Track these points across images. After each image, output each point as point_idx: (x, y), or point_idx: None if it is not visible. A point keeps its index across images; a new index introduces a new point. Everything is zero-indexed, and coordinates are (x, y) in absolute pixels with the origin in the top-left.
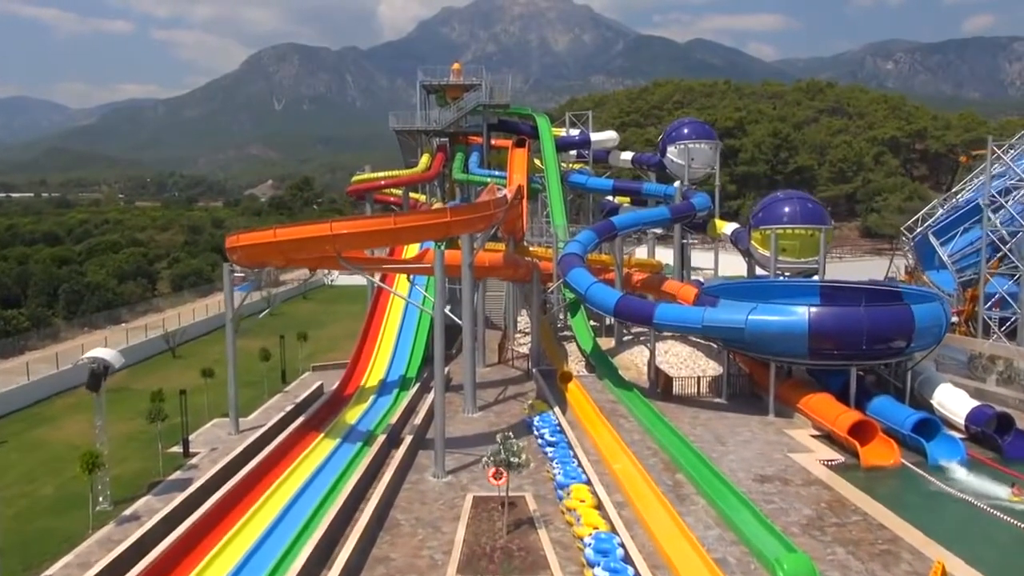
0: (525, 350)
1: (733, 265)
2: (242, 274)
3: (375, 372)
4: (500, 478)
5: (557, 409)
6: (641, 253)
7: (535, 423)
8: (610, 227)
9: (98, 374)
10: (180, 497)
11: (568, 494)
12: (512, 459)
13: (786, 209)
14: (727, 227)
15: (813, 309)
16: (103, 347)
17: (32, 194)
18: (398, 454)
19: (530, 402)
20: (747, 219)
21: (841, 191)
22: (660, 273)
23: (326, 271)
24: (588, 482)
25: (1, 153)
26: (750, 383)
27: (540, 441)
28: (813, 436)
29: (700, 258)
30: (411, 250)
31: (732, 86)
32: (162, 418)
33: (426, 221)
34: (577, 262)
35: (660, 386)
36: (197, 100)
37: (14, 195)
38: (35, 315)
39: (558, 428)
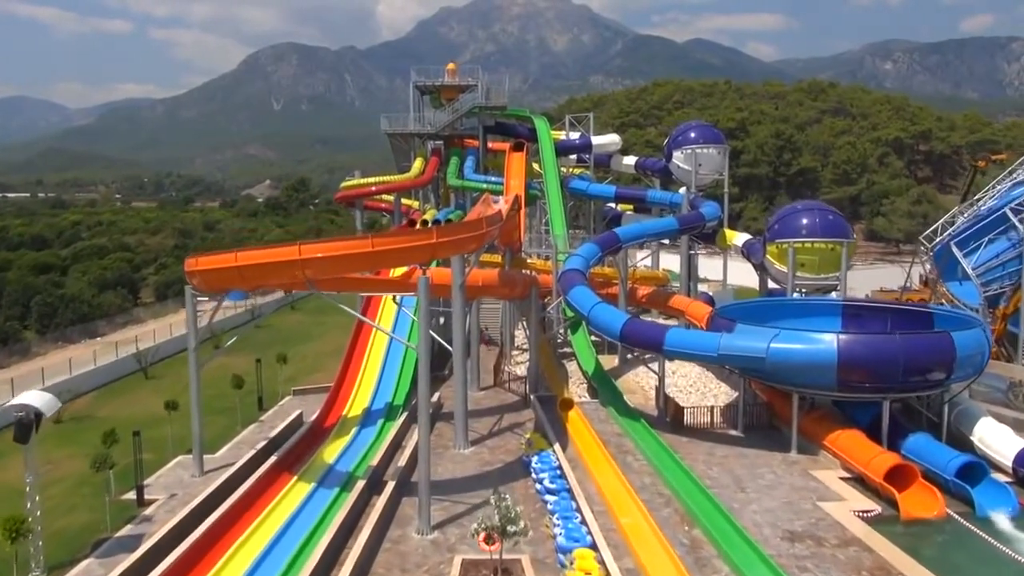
0: (523, 370)
1: (741, 273)
2: None
3: (359, 399)
4: (492, 543)
5: (557, 447)
6: (642, 253)
7: (533, 463)
8: (613, 239)
9: (27, 424)
10: (125, 562)
11: (571, 562)
12: (508, 527)
13: (804, 221)
14: (738, 237)
15: (843, 337)
16: (39, 388)
17: (28, 194)
18: (380, 502)
19: (527, 436)
20: (749, 224)
21: (845, 193)
22: (666, 286)
23: None
24: (593, 545)
25: None
26: (768, 413)
27: (539, 487)
28: (843, 479)
29: (706, 265)
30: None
31: (733, 86)
32: (109, 466)
33: (409, 243)
34: (579, 279)
35: (669, 415)
36: (195, 100)
37: (10, 195)
38: (3, 330)
39: (559, 472)
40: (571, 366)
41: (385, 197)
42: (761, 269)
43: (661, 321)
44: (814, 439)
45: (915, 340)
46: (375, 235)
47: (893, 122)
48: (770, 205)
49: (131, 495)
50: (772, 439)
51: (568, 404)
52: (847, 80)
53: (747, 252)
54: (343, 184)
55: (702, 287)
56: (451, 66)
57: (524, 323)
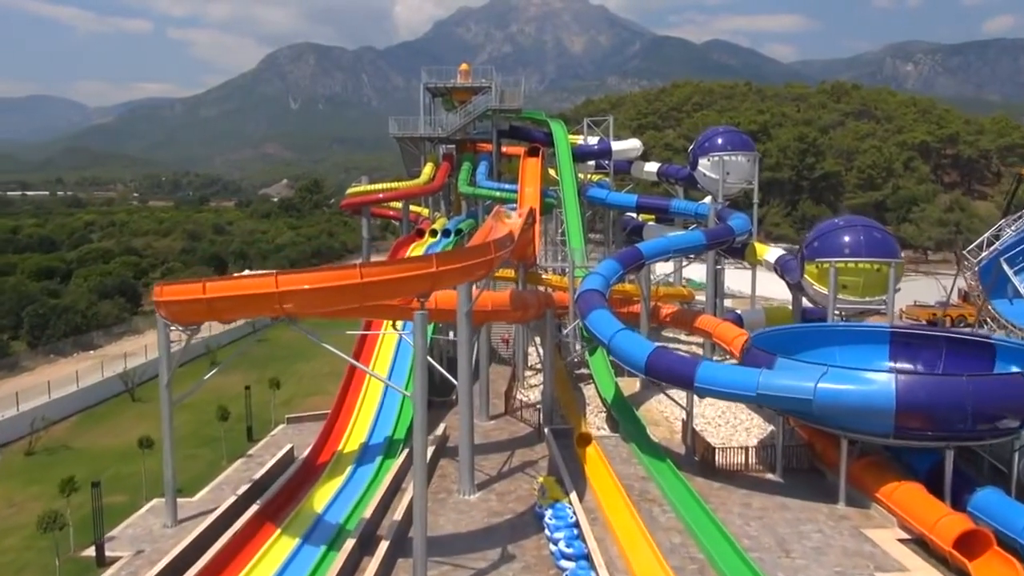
0: (536, 394)
1: (769, 284)
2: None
3: (356, 431)
4: None
5: (574, 496)
6: (662, 264)
7: (547, 518)
8: (636, 255)
9: None
10: None
11: None
12: None
13: (847, 239)
14: (770, 252)
15: (902, 378)
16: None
17: (48, 192)
18: (372, 566)
19: (540, 480)
20: (771, 230)
21: (870, 199)
22: (690, 303)
23: None
24: None
25: (20, 151)
26: (809, 454)
27: (553, 549)
28: (901, 541)
29: (732, 276)
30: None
31: (753, 88)
32: (59, 526)
33: (404, 273)
34: (598, 301)
35: (698, 454)
36: (214, 99)
37: (30, 193)
38: None
39: (576, 533)
40: (588, 390)
41: (393, 204)
42: (797, 289)
43: (686, 352)
44: (865, 490)
45: (986, 383)
46: (364, 265)
47: (919, 125)
48: (793, 210)
49: (92, 551)
50: (815, 486)
51: (586, 439)
52: (867, 82)
53: (781, 270)
54: (349, 191)
55: (728, 302)
56: (464, 67)
57: (538, 341)
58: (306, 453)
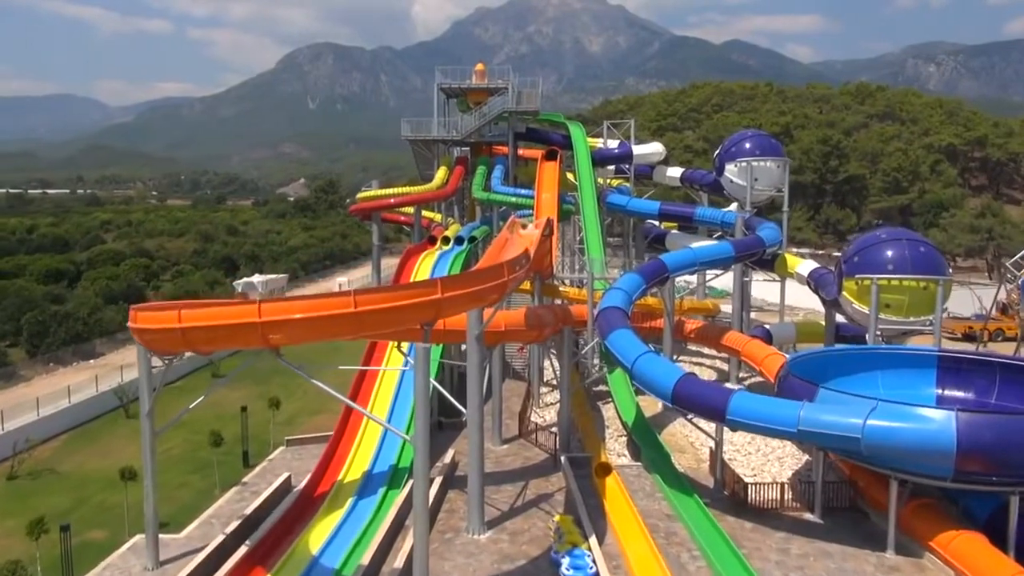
0: (552, 415)
1: (794, 293)
2: (243, 291)
3: (359, 458)
4: None
5: (594, 541)
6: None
7: (564, 567)
8: (660, 269)
9: None
10: None
11: None
12: None
13: (890, 253)
14: (802, 265)
15: (963, 416)
16: None
17: (68, 191)
18: None
19: (557, 519)
20: (794, 235)
21: (895, 203)
22: (716, 318)
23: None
24: None
25: (42, 150)
26: (851, 491)
27: None
28: None
29: (755, 286)
30: (425, 267)
31: (775, 89)
32: None
33: (404, 301)
34: (620, 321)
35: (728, 488)
36: (233, 99)
37: (51, 191)
38: None
39: None
40: (607, 409)
41: (405, 209)
42: (833, 306)
43: (710, 367)
44: (917, 536)
45: None
46: (359, 292)
47: (946, 127)
48: (816, 214)
49: None
50: (859, 529)
51: (606, 470)
52: (889, 83)
53: (816, 285)
54: (359, 195)
55: (752, 314)
56: (479, 66)
57: (553, 353)
58: (303, 483)
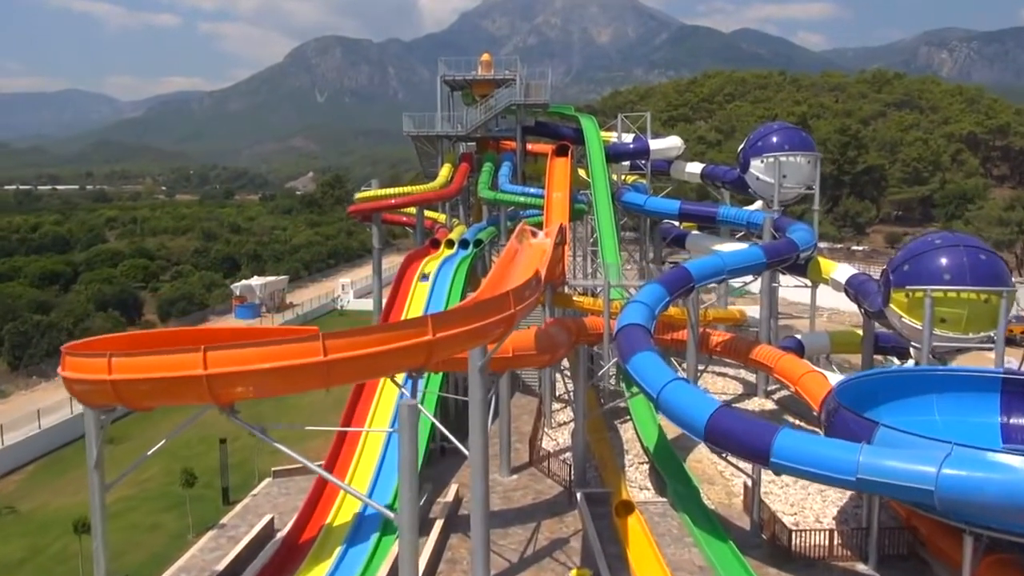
0: (565, 436)
1: (826, 294)
2: (241, 295)
3: (350, 497)
4: None
5: None
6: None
7: None
8: (685, 278)
9: None
10: None
11: None
12: None
13: (945, 261)
14: (838, 271)
15: None
16: None
17: (77, 186)
18: None
19: (573, 574)
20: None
21: (916, 194)
22: (744, 327)
23: (336, 295)
24: None
25: (52, 146)
26: (909, 537)
27: None
28: None
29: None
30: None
31: (788, 77)
32: None
33: (387, 345)
34: (643, 341)
35: (768, 533)
36: (241, 93)
37: (59, 187)
38: None
39: None
40: (626, 430)
41: (407, 209)
42: (877, 317)
43: (735, 379)
44: None
45: None
46: (330, 336)
47: (966, 115)
48: (834, 206)
49: None
50: None
51: (627, 508)
52: (902, 71)
53: (856, 294)
54: (357, 195)
55: (782, 321)
56: (485, 57)
57: (567, 374)
58: (287, 528)
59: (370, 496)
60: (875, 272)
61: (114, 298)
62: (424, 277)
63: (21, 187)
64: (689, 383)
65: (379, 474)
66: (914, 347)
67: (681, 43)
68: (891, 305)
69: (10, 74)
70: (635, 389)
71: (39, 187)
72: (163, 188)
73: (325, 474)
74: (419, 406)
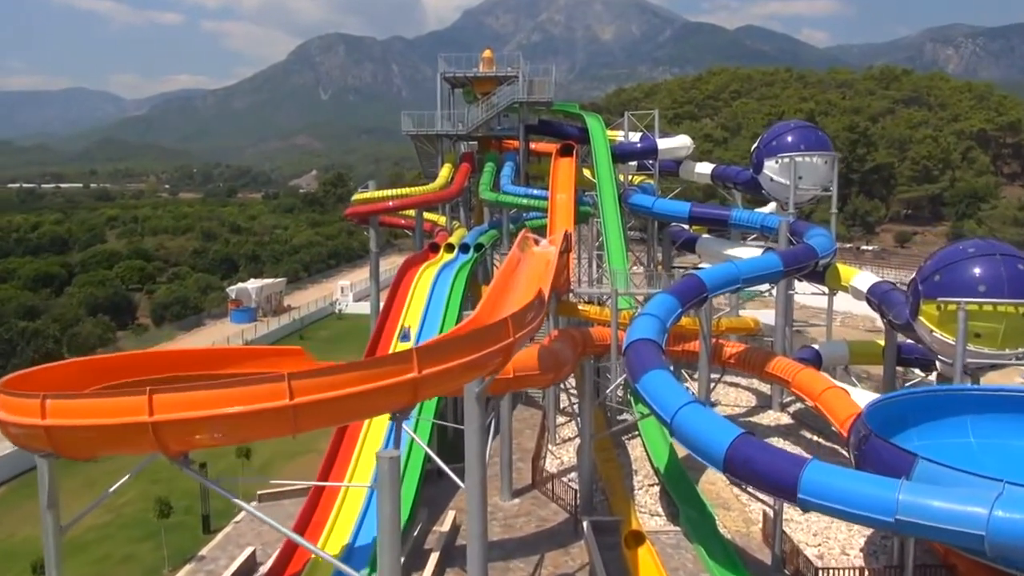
0: (570, 453)
1: (839, 301)
2: (237, 298)
3: (339, 526)
4: None
5: None
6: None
7: None
8: (698, 287)
9: None
10: None
11: None
12: None
13: (979, 271)
14: (859, 278)
15: None
16: None
17: (81, 185)
18: None
19: None
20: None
21: (925, 192)
22: (758, 336)
23: (334, 298)
24: None
25: (56, 143)
26: None
27: None
28: None
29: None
30: (424, 282)
31: (795, 74)
32: None
33: (364, 385)
34: (654, 358)
35: (791, 569)
36: (245, 91)
37: (63, 185)
38: None
39: None
40: (635, 447)
41: (406, 212)
42: (903, 330)
43: (747, 391)
44: None
45: None
46: (297, 376)
47: (976, 112)
48: (844, 205)
49: None
50: None
51: (637, 539)
52: (908, 67)
53: (880, 304)
54: (354, 198)
55: (795, 327)
56: (487, 53)
57: (573, 393)
58: (270, 563)
59: (355, 541)
60: (889, 274)
61: (106, 301)
62: (404, 336)
63: (25, 185)
64: (706, 407)
65: (364, 516)
66: (942, 362)
67: (685, 40)
68: (920, 318)
69: (15, 72)
70: (645, 408)
71: (43, 185)
72: (166, 186)
73: (296, 537)
74: (413, 434)
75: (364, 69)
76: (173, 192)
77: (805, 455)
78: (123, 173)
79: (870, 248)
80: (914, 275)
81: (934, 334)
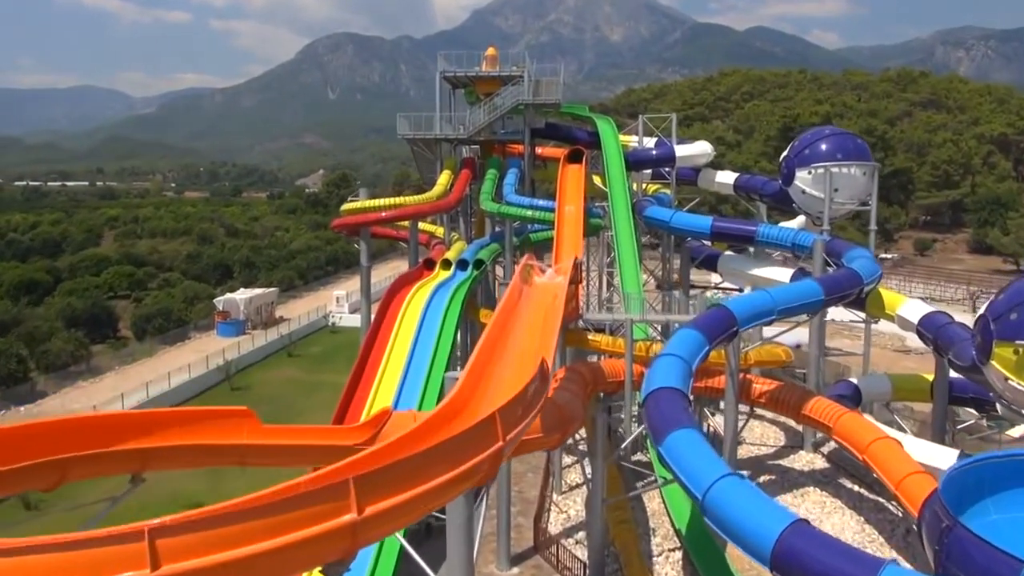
0: (578, 506)
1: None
2: (224, 310)
3: None
4: None
5: None
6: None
7: None
8: (727, 321)
9: None
10: None
11: None
12: None
13: None
14: (906, 306)
15: None
16: None
17: (87, 183)
18: None
19: None
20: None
21: (946, 198)
22: (788, 367)
23: (328, 310)
24: None
25: (63, 141)
26: None
27: None
28: None
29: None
30: (416, 305)
31: (808, 76)
32: None
33: (270, 542)
34: (680, 413)
35: None
36: (253, 89)
37: (69, 184)
38: None
39: None
40: (652, 498)
41: (401, 222)
42: (964, 371)
43: (773, 424)
44: None
45: None
46: (161, 528)
47: (996, 116)
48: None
49: None
50: None
51: None
52: (925, 69)
53: (937, 340)
54: (343, 208)
55: (832, 356)
56: (490, 51)
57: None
58: None
59: None
60: (916, 288)
61: (85, 313)
62: None
63: (31, 183)
64: (748, 482)
65: None
66: (1014, 411)
67: (694, 41)
68: (993, 362)
69: (23, 70)
70: (668, 473)
71: (48, 183)
72: (172, 185)
73: None
74: None
75: (372, 69)
76: (179, 191)
77: (871, 554)
78: (130, 171)
79: (889, 256)
80: (982, 311)
81: (1010, 382)
